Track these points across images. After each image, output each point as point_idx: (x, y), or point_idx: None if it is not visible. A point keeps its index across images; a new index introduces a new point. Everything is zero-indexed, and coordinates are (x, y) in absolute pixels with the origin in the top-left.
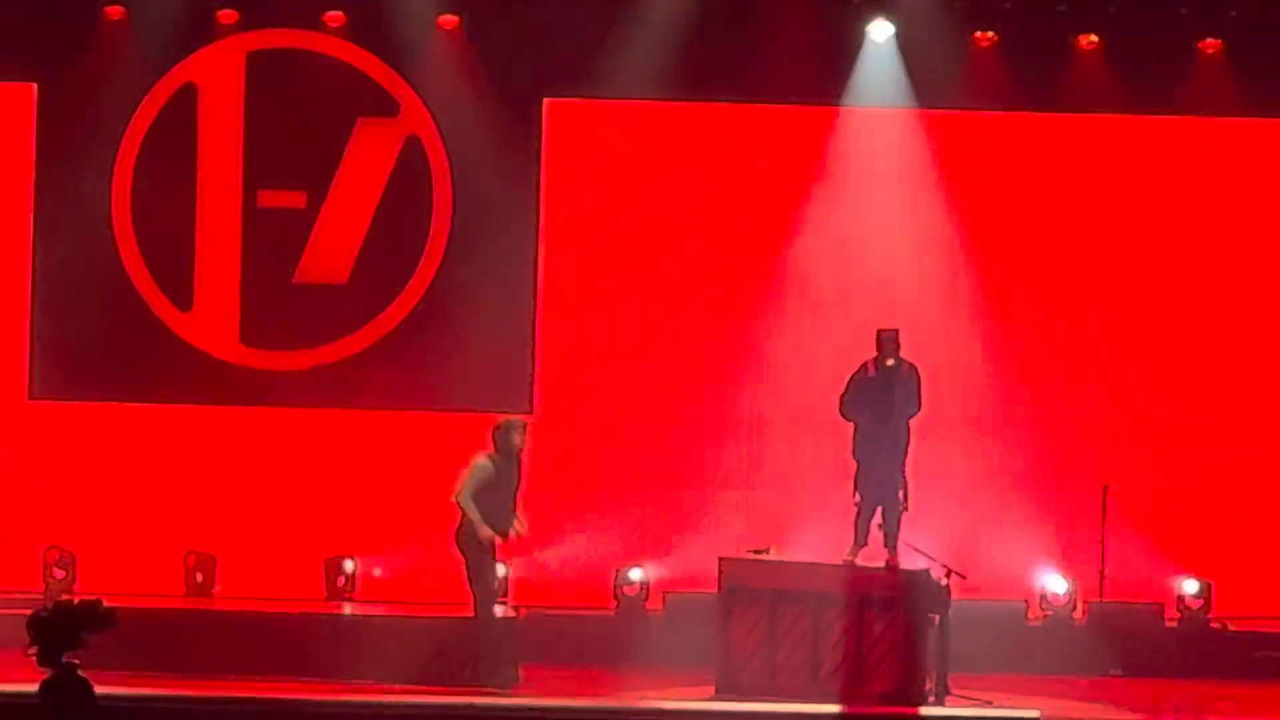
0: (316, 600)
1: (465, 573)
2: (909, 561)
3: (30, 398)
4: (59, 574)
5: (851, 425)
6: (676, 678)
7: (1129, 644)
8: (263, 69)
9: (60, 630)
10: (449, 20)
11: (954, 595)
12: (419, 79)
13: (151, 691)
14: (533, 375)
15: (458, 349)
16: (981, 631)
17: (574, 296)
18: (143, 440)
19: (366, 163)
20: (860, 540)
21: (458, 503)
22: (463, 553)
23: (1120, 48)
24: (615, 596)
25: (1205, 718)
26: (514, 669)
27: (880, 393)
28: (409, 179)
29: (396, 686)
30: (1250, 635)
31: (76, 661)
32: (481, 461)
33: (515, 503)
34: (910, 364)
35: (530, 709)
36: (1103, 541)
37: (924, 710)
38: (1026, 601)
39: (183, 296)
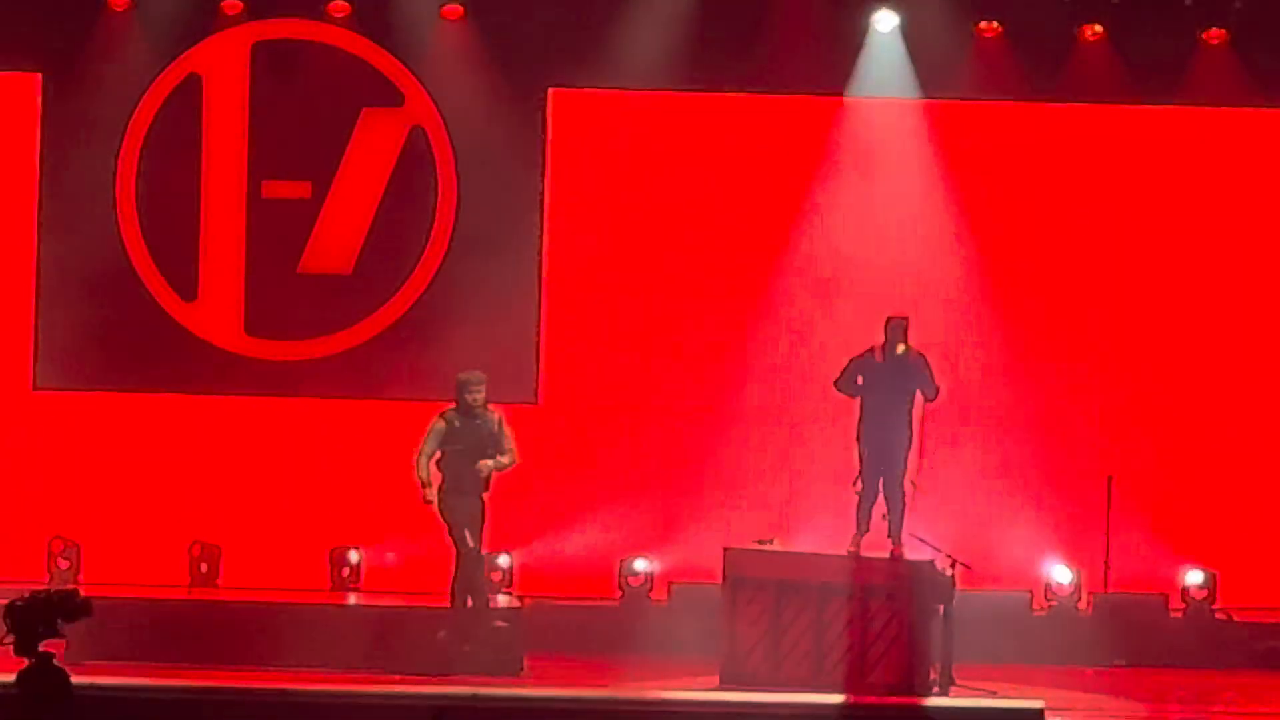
0: (321, 590)
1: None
2: (914, 552)
3: (35, 388)
4: (63, 564)
5: (856, 414)
6: (681, 668)
7: (1134, 635)
8: (267, 59)
9: (37, 620)
10: (453, 10)
11: (959, 586)
12: (423, 69)
13: (155, 682)
14: (537, 366)
15: (463, 339)
16: (986, 622)
17: (579, 287)
18: (147, 430)
19: (371, 153)
20: (862, 528)
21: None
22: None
23: (1124, 38)
24: (620, 587)
25: (1210, 708)
26: (484, 598)
27: (889, 379)
28: (413, 169)
29: (401, 676)
30: (1255, 626)
31: (53, 651)
32: (434, 421)
33: (485, 453)
34: (918, 351)
35: (534, 699)
36: (1107, 532)
37: (928, 701)
38: (1031, 592)
39: (187, 287)
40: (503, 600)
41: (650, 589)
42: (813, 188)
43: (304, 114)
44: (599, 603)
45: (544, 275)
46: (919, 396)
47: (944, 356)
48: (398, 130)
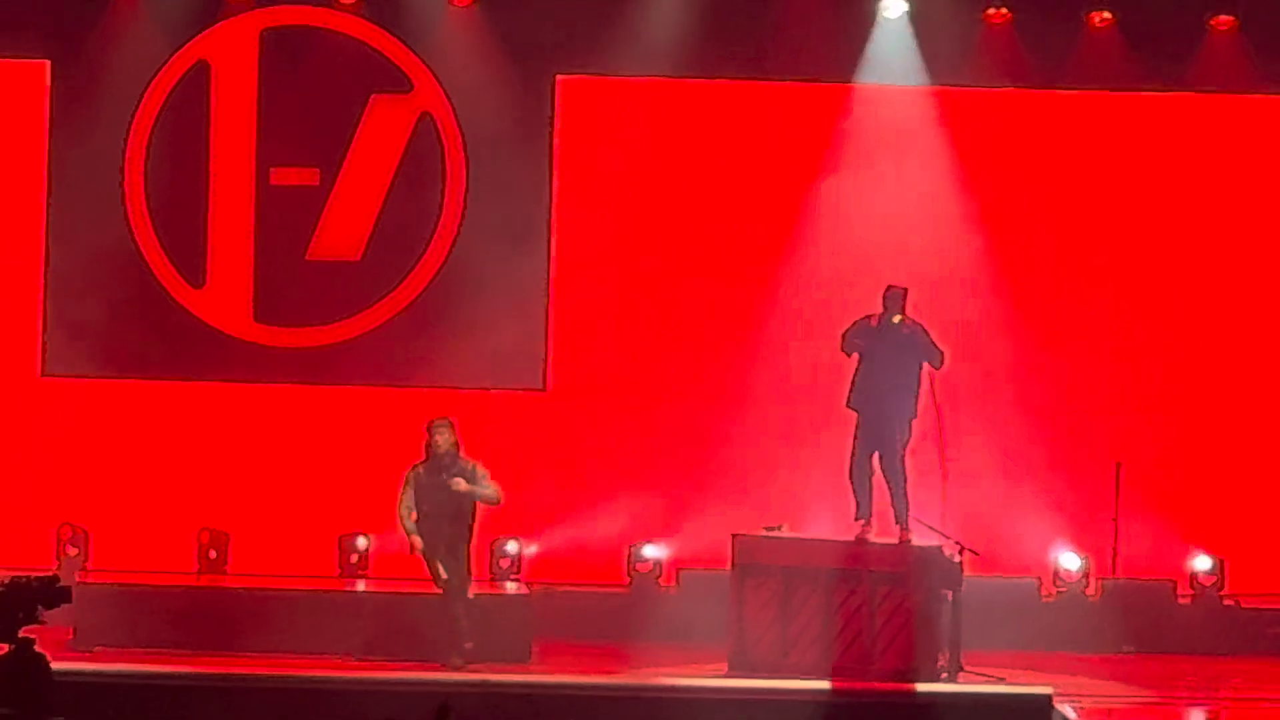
0: (330, 577)
1: None
2: (921, 537)
3: (43, 375)
4: (71, 551)
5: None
6: (689, 654)
7: (1142, 621)
8: (276, 46)
9: (17, 606)
10: None
11: (966, 572)
12: (432, 56)
13: (164, 669)
14: (545, 353)
15: (471, 326)
16: (994, 608)
17: (587, 274)
18: (155, 417)
19: (379, 139)
20: (863, 509)
21: None
22: None
23: (1132, 24)
24: (628, 573)
25: (1218, 694)
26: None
27: (883, 349)
28: (422, 156)
29: (409, 663)
30: (1263, 612)
31: (33, 637)
32: (406, 474)
33: (454, 514)
34: (914, 321)
35: (543, 686)
36: (1115, 519)
37: (936, 687)
38: (1039, 578)
39: (196, 273)
40: (511, 587)
41: (659, 575)
42: (820, 175)
43: (312, 100)
44: (607, 589)
45: (552, 262)
46: (921, 371)
47: (952, 343)
48: (406, 117)
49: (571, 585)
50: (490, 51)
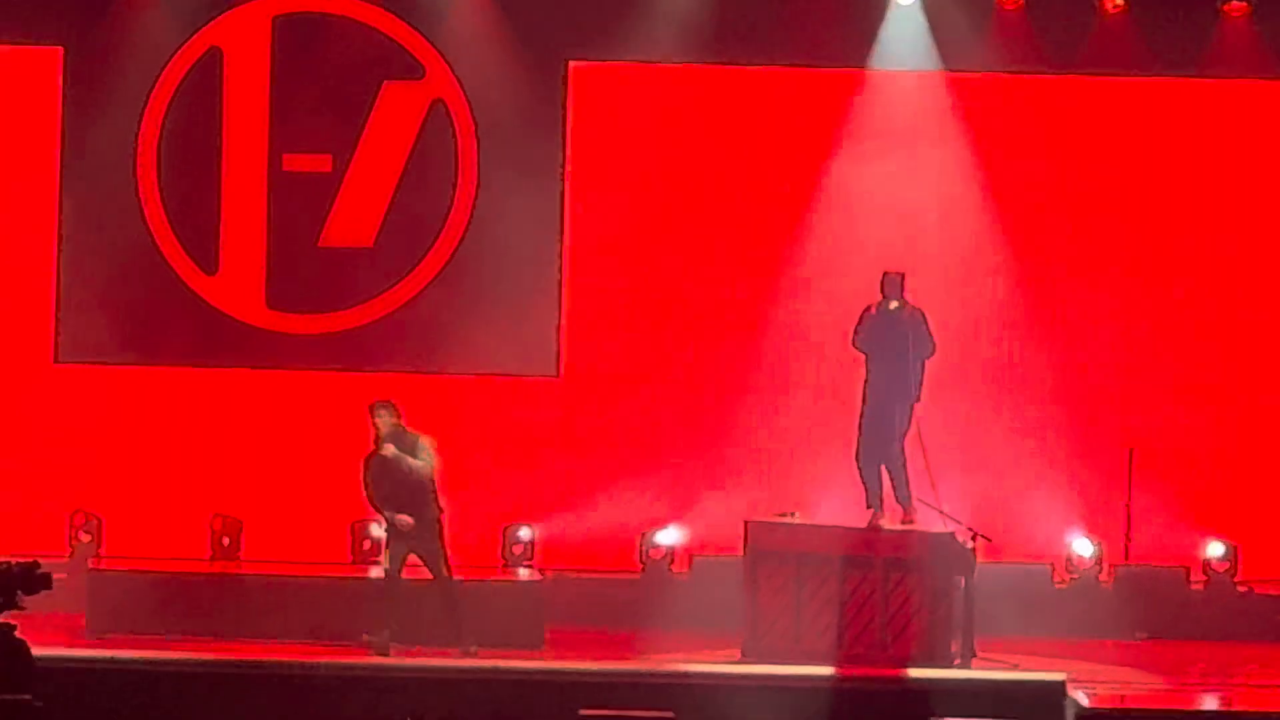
0: (343, 564)
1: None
2: (930, 522)
3: (56, 361)
4: (84, 538)
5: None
6: (702, 641)
7: (1155, 607)
8: (288, 32)
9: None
10: None
11: (979, 558)
12: (444, 42)
13: (176, 655)
14: (559, 339)
15: (483, 312)
16: (1007, 595)
17: (600, 261)
18: (168, 404)
19: (392, 126)
20: (873, 500)
21: None
22: None
23: (1144, 10)
24: (641, 560)
25: (1231, 681)
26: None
27: (883, 336)
28: (434, 142)
29: (421, 650)
30: (1276, 599)
31: (14, 623)
32: (362, 464)
33: (412, 486)
34: (914, 307)
35: (555, 672)
36: (1128, 505)
37: (949, 673)
38: (1052, 565)
39: (208, 260)
40: (523, 574)
41: (671, 562)
42: (833, 161)
43: (325, 87)
44: (620, 576)
45: (565, 248)
46: (921, 355)
47: (964, 330)
48: (419, 103)
49: (584, 572)
50: (503, 38)
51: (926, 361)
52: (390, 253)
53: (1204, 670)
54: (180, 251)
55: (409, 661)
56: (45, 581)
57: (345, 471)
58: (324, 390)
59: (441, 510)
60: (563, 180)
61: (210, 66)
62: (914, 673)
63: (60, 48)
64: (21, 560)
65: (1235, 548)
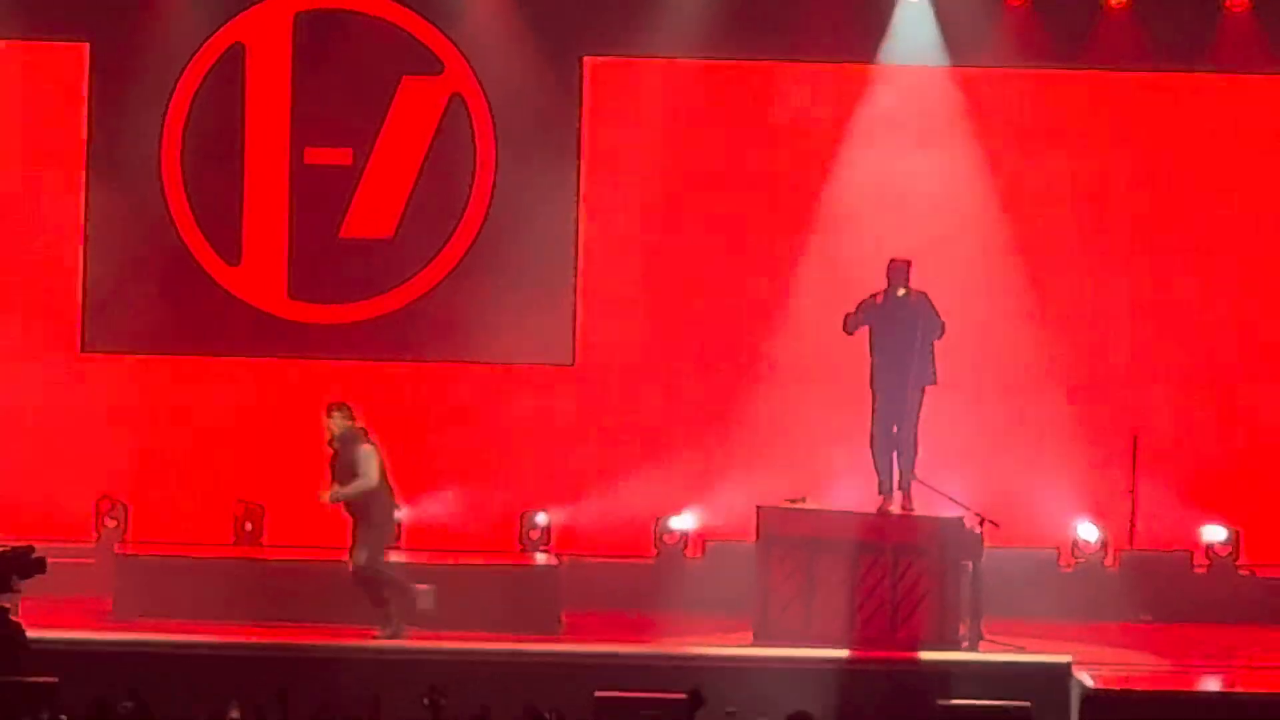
0: None
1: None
2: (932, 506)
3: (82, 351)
4: (111, 523)
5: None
6: (715, 624)
7: (1159, 591)
8: (309, 28)
9: None
10: None
11: (987, 543)
12: (462, 38)
13: (200, 638)
14: (574, 328)
15: (500, 302)
16: (1014, 578)
17: (614, 251)
18: (192, 392)
19: (411, 120)
20: (885, 485)
21: None
22: None
23: (1148, 6)
24: (655, 545)
25: (1234, 663)
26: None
27: (892, 322)
28: (453, 136)
29: (441, 632)
30: (1278, 582)
31: (8, 606)
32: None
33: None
34: (919, 292)
35: (571, 655)
36: (1133, 491)
37: (957, 655)
38: (1058, 549)
39: (231, 251)
40: (540, 558)
41: (685, 547)
42: (842, 154)
43: (345, 82)
44: (635, 560)
45: (580, 239)
46: (930, 339)
47: (972, 319)
48: (437, 98)
49: (599, 557)
50: (519, 34)
51: (936, 343)
52: (410, 244)
53: (1207, 653)
54: (204, 243)
55: (429, 644)
56: (39, 566)
57: None
58: (344, 379)
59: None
60: (578, 173)
61: (233, 62)
62: (923, 655)
63: (86, 43)
64: (16, 545)
65: (1237, 532)
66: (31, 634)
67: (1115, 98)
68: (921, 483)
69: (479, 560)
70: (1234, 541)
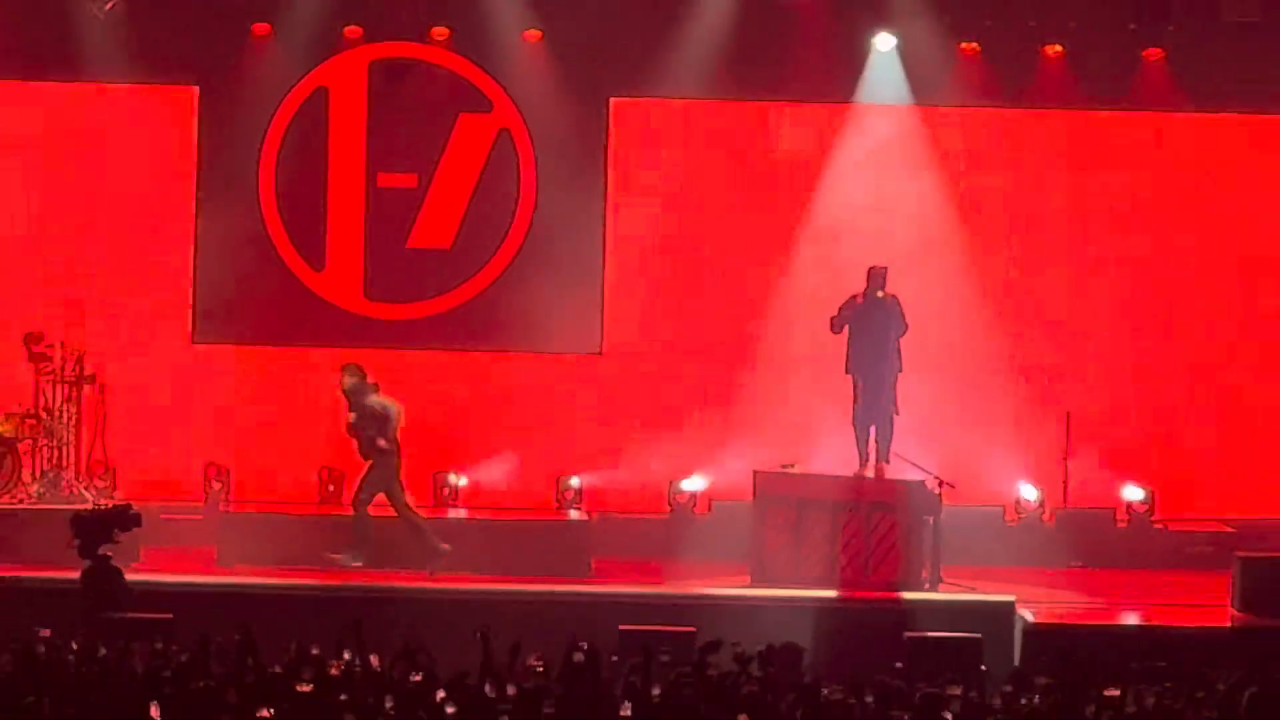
0: (426, 506)
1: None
2: (900, 471)
3: (193, 342)
4: (216, 486)
5: (845, 345)
6: (719, 569)
7: (1087, 541)
8: (382, 73)
9: (97, 530)
10: (533, 34)
11: (945, 502)
12: (509, 82)
13: (290, 581)
14: (602, 323)
15: (540, 302)
16: (967, 531)
17: (636, 259)
18: (284, 377)
19: (466, 150)
20: (864, 457)
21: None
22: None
23: (1078, 55)
24: (669, 503)
25: (1150, 601)
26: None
27: (871, 319)
28: (500, 163)
29: (490, 577)
30: (1185, 534)
31: (110, 554)
32: None
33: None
34: (893, 295)
35: (599, 595)
36: (1066, 459)
37: (920, 595)
38: (1004, 507)
39: (317, 259)
40: (573, 515)
41: (694, 505)
42: (826, 176)
43: (411, 118)
44: (652, 517)
45: (607, 249)
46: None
47: (933, 320)
48: (488, 132)
49: (622, 513)
50: (556, 78)
51: (901, 339)
52: (465, 253)
53: (1127, 593)
54: (294, 252)
55: (481, 586)
56: (136, 520)
57: (423, 431)
58: (410, 366)
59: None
60: (605, 194)
61: (318, 102)
62: (892, 595)
63: (196, 87)
64: (116, 504)
65: (1153, 493)
66: (150, 578)
67: (1050, 130)
68: (894, 453)
69: (523, 516)
70: (1149, 500)
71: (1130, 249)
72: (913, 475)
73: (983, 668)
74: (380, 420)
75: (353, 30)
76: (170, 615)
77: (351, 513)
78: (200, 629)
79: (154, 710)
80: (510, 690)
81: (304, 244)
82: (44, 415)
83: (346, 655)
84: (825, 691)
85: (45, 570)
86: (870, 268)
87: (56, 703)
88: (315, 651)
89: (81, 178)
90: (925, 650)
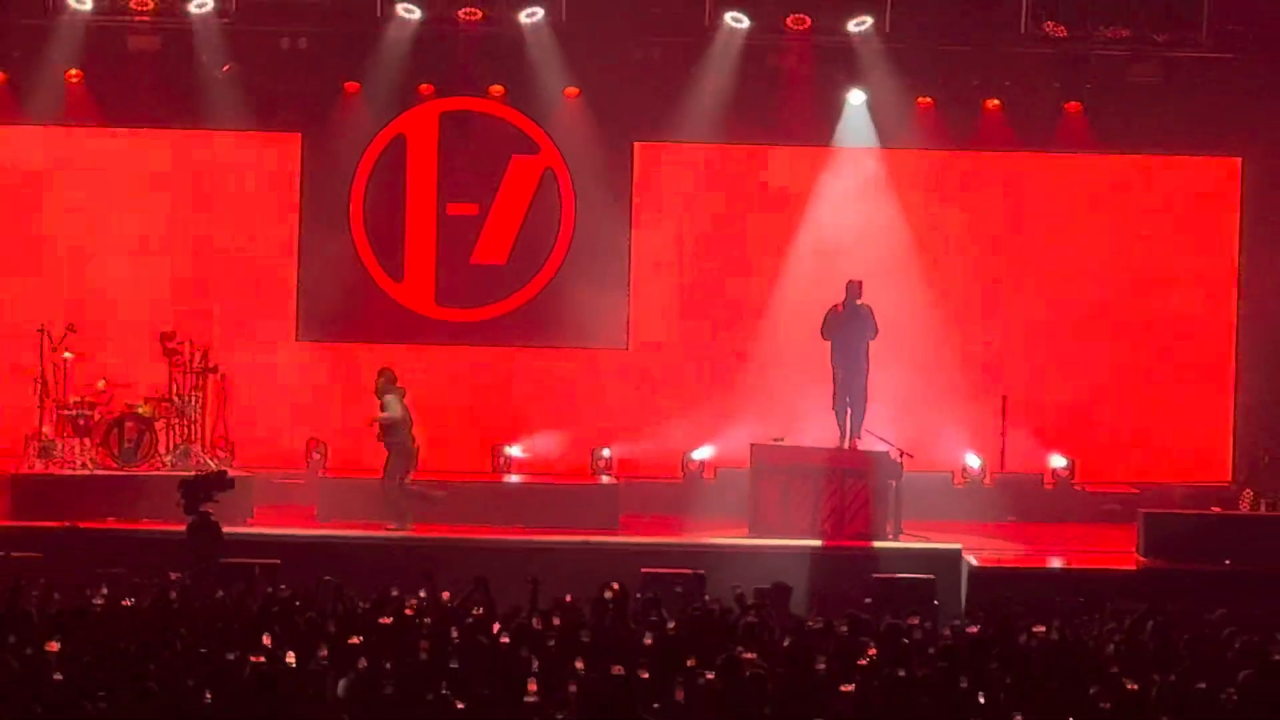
0: (484, 473)
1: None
2: (870, 445)
3: (297, 339)
4: (316, 457)
5: (829, 344)
6: (723, 523)
7: (1020, 501)
8: (450, 123)
9: (200, 491)
10: (572, 91)
11: (905, 469)
12: (552, 129)
13: (373, 534)
14: (628, 323)
15: (578, 308)
16: (923, 492)
17: (656, 273)
18: (370, 369)
19: (517, 185)
20: (842, 434)
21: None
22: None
23: (1013, 108)
24: (683, 470)
25: (1070, 549)
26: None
27: (849, 325)
28: (546, 196)
29: (538, 530)
30: (1099, 495)
31: (210, 510)
32: None
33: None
34: (867, 305)
35: (626, 544)
36: (1003, 433)
37: (886, 544)
38: (953, 473)
39: (396, 272)
40: (605, 479)
41: (703, 472)
42: (811, 206)
43: (473, 159)
44: (669, 481)
45: (631, 264)
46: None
47: (893, 322)
48: (535, 170)
49: (645, 478)
50: (591, 127)
51: (871, 342)
52: (517, 268)
53: (1053, 542)
54: (378, 266)
55: (529, 538)
56: (230, 484)
57: (483, 411)
58: (473, 359)
59: (391, 450)
60: (630, 220)
61: (398, 145)
62: (864, 544)
63: (300, 133)
64: (214, 470)
65: (1074, 461)
66: (260, 531)
67: (991, 170)
68: (865, 430)
69: (564, 481)
70: (1071, 467)
71: (1056, 265)
72: (880, 448)
73: (935, 603)
74: (390, 421)
75: (426, 87)
76: (278, 561)
77: (389, 495)
78: (303, 573)
79: (266, 639)
80: (555, 621)
81: (386, 260)
82: (176, 399)
83: (421, 594)
84: (809, 623)
85: (177, 525)
86: (848, 281)
87: (188, 634)
88: (395, 592)
89: (205, 207)
90: (889, 588)
